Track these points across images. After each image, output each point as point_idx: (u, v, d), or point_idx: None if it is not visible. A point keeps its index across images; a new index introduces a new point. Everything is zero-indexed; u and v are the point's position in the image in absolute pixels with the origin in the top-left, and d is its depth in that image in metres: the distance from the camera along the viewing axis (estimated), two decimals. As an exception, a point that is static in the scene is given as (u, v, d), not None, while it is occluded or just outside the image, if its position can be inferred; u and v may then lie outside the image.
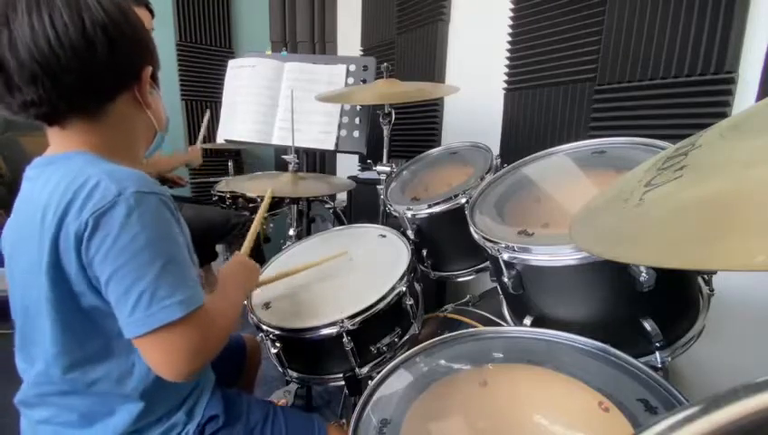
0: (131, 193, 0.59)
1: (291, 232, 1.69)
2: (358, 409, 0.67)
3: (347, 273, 1.10)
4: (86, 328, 0.65)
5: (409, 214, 1.19)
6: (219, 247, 2.38)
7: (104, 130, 0.68)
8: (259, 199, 2.22)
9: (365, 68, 1.67)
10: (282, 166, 1.53)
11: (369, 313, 0.91)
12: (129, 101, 0.69)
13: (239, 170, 2.94)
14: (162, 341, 0.61)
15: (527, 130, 1.69)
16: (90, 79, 0.62)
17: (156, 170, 1.90)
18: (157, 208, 0.62)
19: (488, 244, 0.84)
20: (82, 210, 0.58)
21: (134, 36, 0.67)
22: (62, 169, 0.63)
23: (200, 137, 2.51)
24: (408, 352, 0.78)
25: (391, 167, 1.50)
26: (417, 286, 1.08)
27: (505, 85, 1.77)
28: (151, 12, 1.67)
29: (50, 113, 0.64)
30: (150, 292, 0.59)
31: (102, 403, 0.69)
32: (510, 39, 1.73)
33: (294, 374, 1.02)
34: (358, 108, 1.66)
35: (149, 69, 0.70)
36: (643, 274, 0.67)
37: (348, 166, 2.93)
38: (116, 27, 0.63)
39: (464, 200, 1.10)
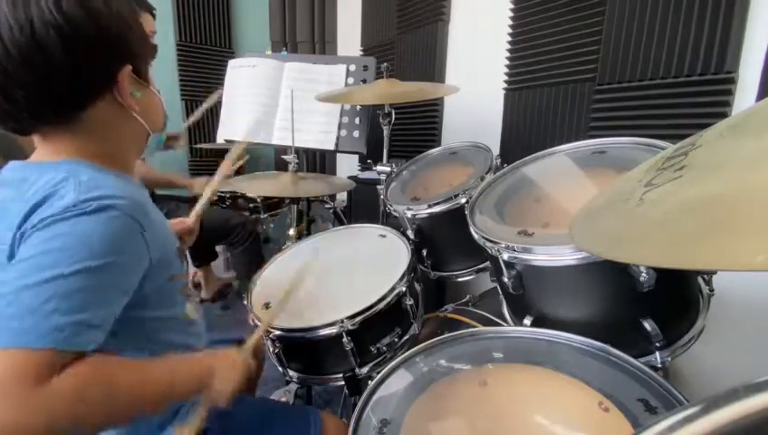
0: (94, 201, 0.54)
1: (291, 232, 1.69)
2: (358, 409, 0.67)
3: (347, 273, 1.10)
4: None
5: (409, 214, 1.19)
6: (219, 247, 2.38)
7: (86, 139, 0.62)
8: (260, 200, 2.21)
9: (365, 68, 1.67)
10: (282, 166, 1.53)
11: (369, 313, 0.91)
12: (110, 105, 0.62)
13: (239, 170, 2.94)
14: None
15: (527, 130, 1.69)
16: (47, 89, 0.55)
17: (153, 183, 1.90)
18: (107, 223, 0.54)
19: (488, 244, 0.84)
20: (43, 213, 0.53)
21: (101, 34, 0.57)
22: (42, 178, 0.57)
23: (197, 113, 2.13)
24: (407, 352, 0.78)
25: (391, 167, 1.50)
26: (417, 286, 1.08)
27: (505, 85, 1.77)
28: (153, 14, 1.66)
29: (17, 128, 0.59)
30: (8, 299, 0.49)
31: None
32: (510, 39, 1.73)
33: (294, 374, 1.02)
34: (358, 108, 1.66)
35: (128, 68, 0.61)
36: (643, 274, 0.67)
37: (348, 166, 2.93)
38: (73, 26, 0.54)
39: (464, 200, 1.10)
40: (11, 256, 0.54)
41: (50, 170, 0.58)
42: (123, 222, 0.56)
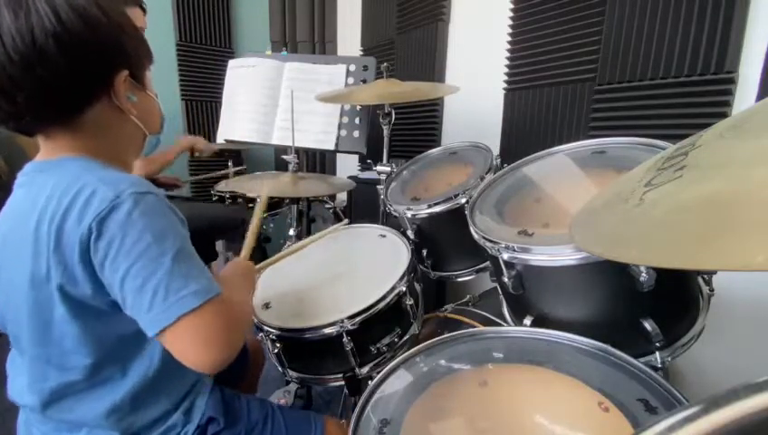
0: (129, 194, 0.58)
1: (291, 232, 1.69)
2: (358, 409, 0.66)
3: (347, 273, 1.10)
4: (108, 334, 0.64)
5: (409, 214, 1.19)
6: (219, 247, 2.38)
7: (87, 138, 0.65)
8: (259, 199, 2.21)
9: (365, 68, 1.67)
10: (282, 166, 1.54)
11: (369, 313, 0.91)
12: (108, 108, 0.65)
13: (239, 170, 2.95)
14: (185, 331, 0.59)
15: (527, 130, 1.69)
16: (46, 92, 0.59)
17: (158, 167, 1.89)
18: (155, 205, 0.61)
19: (488, 244, 0.84)
20: (82, 218, 0.57)
21: (98, 42, 0.61)
22: (54, 176, 0.62)
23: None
24: (407, 352, 0.78)
25: (391, 167, 1.50)
26: (417, 286, 1.08)
27: (505, 85, 1.77)
28: (143, 9, 1.64)
29: (20, 128, 0.63)
30: (165, 285, 0.58)
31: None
32: (510, 39, 1.73)
33: (294, 374, 1.02)
34: (358, 108, 1.66)
35: (124, 73, 0.64)
36: (643, 274, 0.67)
37: (348, 166, 2.93)
38: (71, 35, 0.57)
39: (464, 200, 1.10)
40: (62, 275, 0.59)
41: (58, 169, 0.63)
42: (161, 200, 0.63)
